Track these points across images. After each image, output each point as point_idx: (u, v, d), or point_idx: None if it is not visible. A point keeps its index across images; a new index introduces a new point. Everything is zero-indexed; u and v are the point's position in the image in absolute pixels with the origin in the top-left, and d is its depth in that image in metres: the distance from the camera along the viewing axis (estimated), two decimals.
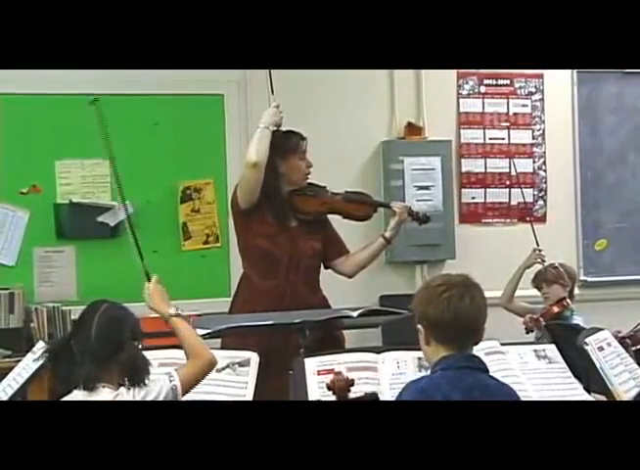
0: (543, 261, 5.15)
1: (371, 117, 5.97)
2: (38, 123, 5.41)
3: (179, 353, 3.11)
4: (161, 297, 3.15)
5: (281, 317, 3.89)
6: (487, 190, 6.20)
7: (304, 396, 3.15)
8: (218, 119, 5.69)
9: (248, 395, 3.33)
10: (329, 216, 4.49)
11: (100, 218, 5.43)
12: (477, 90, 6.20)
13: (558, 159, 6.30)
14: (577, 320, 4.79)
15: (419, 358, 3.28)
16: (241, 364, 3.40)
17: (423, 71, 6.02)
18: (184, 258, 5.62)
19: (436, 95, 6.08)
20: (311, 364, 3.24)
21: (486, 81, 6.21)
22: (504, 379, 3.00)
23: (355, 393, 2.75)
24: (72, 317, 5.11)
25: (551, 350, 3.56)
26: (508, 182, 6.20)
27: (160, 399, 2.86)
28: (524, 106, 6.28)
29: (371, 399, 2.72)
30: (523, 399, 2.93)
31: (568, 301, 4.93)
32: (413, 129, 6.01)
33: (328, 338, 4.10)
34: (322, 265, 4.44)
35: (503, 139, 6.23)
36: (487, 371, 2.77)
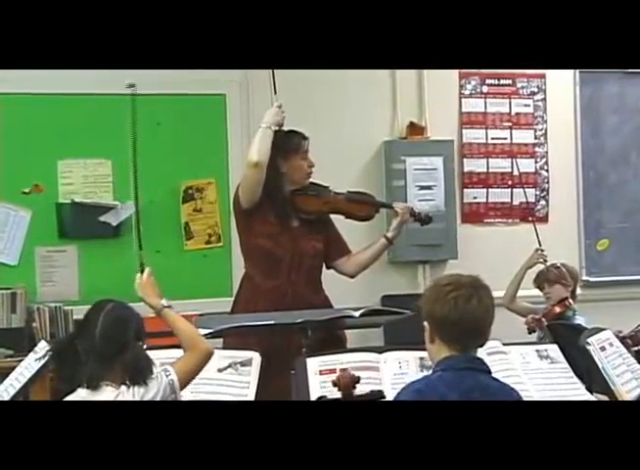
0: (545, 261, 5.14)
1: (373, 116, 5.97)
2: (40, 123, 5.41)
3: (181, 353, 3.11)
4: (153, 289, 3.15)
5: (283, 317, 3.89)
6: (489, 190, 6.20)
7: (306, 395, 3.15)
8: (220, 119, 5.68)
9: (249, 394, 3.33)
10: (331, 216, 4.49)
11: (102, 218, 5.42)
12: (479, 90, 6.20)
13: (560, 159, 6.30)
14: (579, 320, 4.79)
15: (421, 358, 3.28)
16: (243, 364, 3.41)
17: (425, 71, 6.01)
18: (186, 257, 5.62)
19: (439, 95, 6.07)
20: (313, 364, 3.25)
21: (488, 81, 6.21)
22: (506, 379, 3.00)
23: (360, 390, 2.75)
24: (74, 317, 5.11)
25: (553, 350, 3.56)
26: (510, 182, 6.19)
27: (159, 395, 2.88)
28: (526, 106, 6.28)
29: (376, 398, 2.72)
30: (525, 399, 2.93)
31: (570, 301, 4.93)
32: (415, 129, 6.00)
33: (330, 338, 4.10)
34: (324, 265, 4.45)
35: (505, 139, 6.23)
36: (489, 372, 2.77)
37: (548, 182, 6.29)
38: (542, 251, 5.20)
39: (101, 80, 5.18)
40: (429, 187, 5.96)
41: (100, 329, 2.89)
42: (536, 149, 6.28)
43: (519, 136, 6.24)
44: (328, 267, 4.47)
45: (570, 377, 3.47)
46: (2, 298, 5.19)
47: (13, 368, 3.53)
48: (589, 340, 3.44)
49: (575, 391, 3.41)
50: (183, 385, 2.97)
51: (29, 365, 3.46)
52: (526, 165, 6.17)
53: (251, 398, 3.32)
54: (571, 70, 6.28)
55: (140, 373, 2.88)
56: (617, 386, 3.36)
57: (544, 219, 6.21)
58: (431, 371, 3.03)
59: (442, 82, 6.04)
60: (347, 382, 2.72)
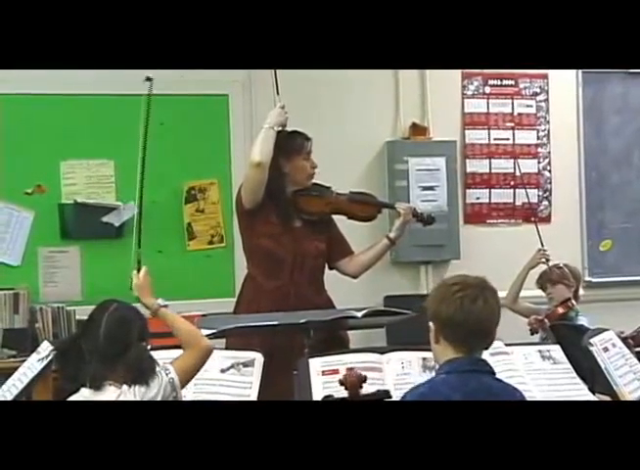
0: (548, 262, 5.14)
1: (375, 117, 5.97)
2: (43, 124, 5.42)
3: None
4: (149, 289, 3.15)
5: (285, 317, 3.89)
6: (492, 190, 6.20)
7: (309, 396, 3.15)
8: (223, 120, 5.69)
9: (252, 395, 3.33)
10: (334, 217, 4.49)
11: (104, 219, 5.43)
12: (481, 90, 6.20)
13: (562, 159, 6.30)
14: (582, 321, 4.79)
15: (423, 359, 3.28)
16: (245, 364, 3.41)
17: (427, 72, 6.02)
18: (189, 258, 5.63)
19: (441, 95, 6.07)
20: (316, 364, 3.24)
21: (491, 82, 6.21)
22: (509, 379, 2.99)
23: (366, 390, 2.74)
24: (77, 317, 5.12)
25: (556, 350, 3.55)
26: (513, 183, 6.19)
27: (160, 394, 2.89)
28: (528, 106, 6.28)
29: (383, 397, 2.72)
30: (527, 399, 2.92)
31: (572, 301, 4.92)
32: (418, 130, 6.01)
33: (332, 338, 4.10)
34: (326, 266, 4.45)
35: (508, 139, 6.23)
36: (494, 374, 2.76)
37: (551, 183, 6.29)
38: (545, 251, 5.20)
39: (102, 81, 5.19)
40: (431, 187, 5.97)
41: (104, 329, 2.90)
42: (539, 149, 6.28)
43: (521, 137, 6.24)
44: (330, 268, 4.47)
45: (572, 378, 3.46)
46: (5, 298, 5.20)
47: (16, 368, 3.54)
48: (592, 340, 3.44)
49: (578, 391, 3.41)
50: (184, 383, 2.98)
51: (32, 366, 3.47)
52: (529, 166, 6.18)
53: (254, 398, 3.32)
54: (574, 71, 6.28)
55: (142, 374, 2.89)
56: (619, 386, 3.36)
57: (547, 220, 6.21)
58: (433, 372, 3.04)
59: (445, 83, 6.05)
60: (354, 381, 2.71)
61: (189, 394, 3.26)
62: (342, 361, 3.25)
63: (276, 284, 4.26)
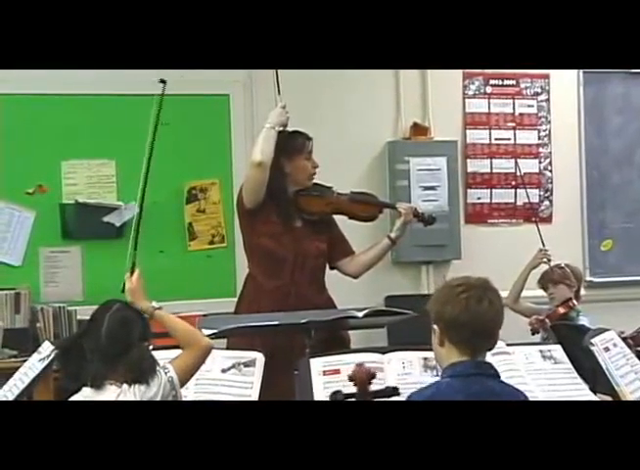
0: (549, 262, 5.14)
1: (376, 117, 5.97)
2: (44, 124, 5.42)
3: None
4: (143, 292, 3.15)
5: (286, 317, 3.89)
6: (493, 190, 6.20)
7: (310, 396, 3.15)
8: (224, 120, 5.69)
9: (253, 395, 3.33)
10: (335, 217, 4.49)
11: (105, 219, 5.43)
12: (482, 90, 6.20)
13: (564, 159, 6.30)
14: (583, 321, 4.79)
15: (425, 359, 3.28)
16: (246, 364, 3.41)
17: (429, 72, 6.02)
18: (190, 258, 5.63)
19: (442, 95, 6.07)
20: (317, 364, 3.24)
21: (492, 82, 6.21)
22: (510, 379, 2.99)
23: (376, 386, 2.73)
24: (78, 317, 5.13)
25: (557, 350, 3.55)
26: (514, 182, 6.19)
27: (160, 393, 2.90)
28: (529, 106, 6.28)
29: (391, 394, 2.71)
30: (529, 399, 2.92)
31: (574, 301, 4.92)
32: (419, 130, 6.01)
33: (333, 338, 4.10)
34: (327, 266, 4.45)
35: (509, 139, 6.23)
36: (498, 377, 2.74)
37: (552, 182, 6.29)
38: (546, 251, 5.20)
39: (102, 81, 5.19)
40: (432, 187, 5.97)
41: (105, 329, 2.91)
42: (540, 149, 6.28)
43: (522, 137, 6.24)
44: (331, 268, 4.47)
45: (573, 378, 3.46)
46: (6, 298, 5.20)
47: (17, 368, 3.53)
48: (593, 340, 3.44)
49: (579, 391, 3.40)
50: (183, 382, 2.99)
51: (33, 366, 3.47)
52: (530, 166, 6.18)
53: (255, 398, 3.32)
54: (575, 71, 6.28)
55: (143, 373, 2.89)
56: (620, 386, 3.35)
57: (548, 220, 6.21)
58: (435, 372, 3.03)
59: (446, 83, 6.05)
60: (363, 377, 2.70)
61: (190, 394, 3.26)
62: (344, 361, 3.25)
63: (277, 284, 4.26)
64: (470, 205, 6.16)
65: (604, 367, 3.38)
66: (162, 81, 3.47)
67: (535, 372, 3.45)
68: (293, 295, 4.25)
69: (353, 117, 5.90)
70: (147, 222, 5.26)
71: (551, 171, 6.29)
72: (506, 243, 6.05)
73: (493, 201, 6.20)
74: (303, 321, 3.72)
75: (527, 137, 6.26)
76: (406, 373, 3.27)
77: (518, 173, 5.94)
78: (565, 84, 6.31)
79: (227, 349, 3.70)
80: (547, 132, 6.29)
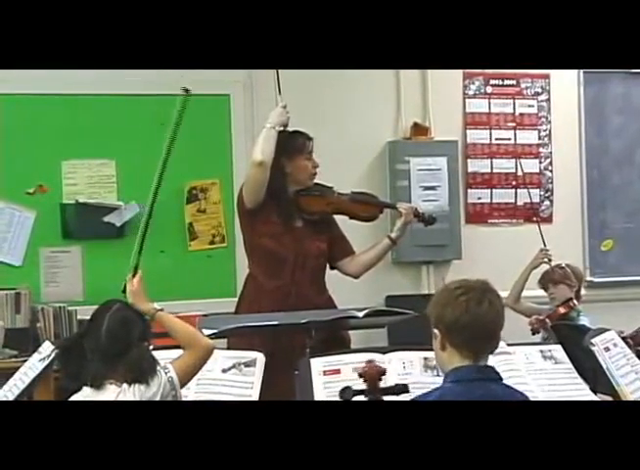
0: (550, 262, 5.14)
1: (377, 117, 5.97)
2: (44, 124, 5.42)
3: None
4: (144, 295, 3.15)
5: (287, 317, 3.89)
6: (494, 190, 6.20)
7: (310, 396, 3.15)
8: (224, 120, 5.69)
9: (253, 395, 3.33)
10: (335, 217, 4.49)
11: (106, 219, 5.43)
12: (483, 90, 6.20)
13: (564, 159, 6.30)
14: (584, 321, 4.79)
15: (425, 359, 3.28)
16: (247, 364, 3.41)
17: (429, 72, 6.02)
18: (190, 258, 5.63)
19: (443, 95, 6.07)
20: (317, 364, 3.24)
21: (493, 82, 6.21)
22: (510, 379, 2.99)
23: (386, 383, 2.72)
24: (79, 317, 5.13)
25: (557, 350, 3.55)
26: (514, 182, 6.20)
27: (159, 393, 2.90)
28: (530, 106, 6.28)
29: (401, 392, 2.70)
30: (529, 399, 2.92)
31: (574, 301, 4.92)
32: (419, 130, 6.01)
33: (334, 338, 4.10)
34: (328, 266, 4.44)
35: (509, 139, 6.23)
36: (501, 380, 2.73)
37: (552, 182, 6.29)
38: (547, 251, 5.20)
39: (102, 81, 5.19)
40: (433, 187, 5.96)
41: (106, 328, 2.92)
42: (540, 149, 6.28)
43: (523, 137, 6.24)
44: (332, 268, 4.47)
45: (574, 378, 3.46)
46: (6, 298, 5.20)
47: (17, 368, 3.54)
48: (593, 340, 3.43)
49: (580, 391, 3.40)
50: (183, 383, 2.99)
51: (33, 366, 3.47)
52: (531, 166, 6.18)
53: (255, 398, 3.32)
54: (576, 71, 6.28)
55: (143, 373, 2.90)
56: (621, 386, 3.35)
57: (548, 220, 6.21)
58: (435, 371, 3.03)
59: (446, 83, 6.05)
60: (374, 374, 2.68)
61: (191, 393, 3.27)
62: (344, 361, 3.25)
63: (277, 284, 4.26)
64: (470, 205, 6.16)
65: (604, 367, 3.38)
66: (186, 90, 3.48)
67: (536, 372, 3.45)
68: (293, 295, 4.25)
69: (354, 116, 5.90)
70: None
71: (551, 171, 6.29)
72: (506, 243, 6.05)
73: (494, 201, 6.20)
74: (304, 321, 3.72)
75: (528, 137, 6.26)
76: (407, 373, 3.27)
77: (519, 173, 5.94)
78: (565, 84, 6.31)
79: (228, 349, 3.70)
80: (547, 132, 6.29)
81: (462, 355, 2.68)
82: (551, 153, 6.29)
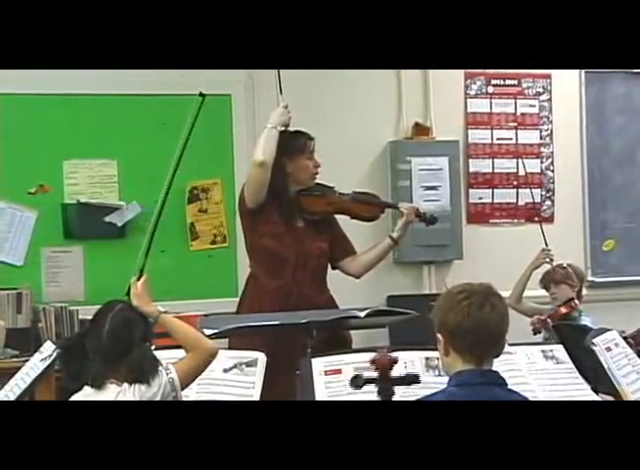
0: (551, 262, 5.14)
1: (378, 117, 5.97)
2: (45, 124, 5.42)
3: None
4: (148, 298, 3.15)
5: (288, 317, 3.89)
6: (495, 190, 6.20)
7: (311, 396, 3.16)
8: (226, 120, 5.69)
9: (255, 395, 3.33)
10: (336, 217, 4.49)
11: (107, 218, 5.43)
12: (484, 90, 6.20)
13: (565, 159, 6.29)
14: (585, 321, 4.79)
15: (426, 359, 3.28)
16: (248, 364, 3.41)
17: (430, 72, 6.01)
18: (191, 258, 5.63)
19: (444, 95, 6.07)
20: (318, 364, 3.24)
21: (494, 82, 6.20)
22: (511, 379, 2.98)
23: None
24: (80, 317, 5.13)
25: (559, 350, 3.55)
26: (516, 182, 6.19)
27: (160, 393, 2.91)
28: (531, 106, 6.28)
29: (412, 382, 2.69)
30: (530, 399, 2.91)
31: (576, 301, 4.92)
32: (420, 129, 6.00)
33: (335, 338, 4.10)
34: (329, 266, 4.45)
35: (511, 139, 6.22)
36: (505, 384, 2.72)
37: (553, 182, 6.29)
38: (549, 251, 5.20)
39: (102, 81, 5.19)
40: (434, 187, 5.96)
41: (107, 329, 2.93)
42: (542, 149, 6.28)
43: (524, 136, 6.24)
44: (333, 268, 4.47)
45: (575, 377, 3.46)
46: (8, 298, 5.20)
47: (18, 368, 3.54)
48: (595, 340, 3.44)
49: (581, 391, 3.40)
50: (184, 384, 2.98)
51: (35, 365, 3.47)
52: (532, 166, 6.17)
53: (257, 398, 3.32)
54: (577, 71, 6.27)
55: (144, 374, 2.90)
56: (622, 386, 3.35)
57: (550, 220, 6.20)
58: (436, 371, 3.03)
59: (448, 83, 6.05)
60: (385, 362, 2.67)
61: (192, 393, 3.27)
62: (345, 361, 3.25)
63: (278, 284, 4.27)
64: (471, 205, 6.16)
65: (606, 367, 3.38)
66: (202, 95, 3.50)
67: (537, 372, 3.45)
68: (294, 295, 4.25)
69: (355, 116, 5.90)
70: (148, 222, 5.29)
71: (553, 171, 6.29)
72: (508, 243, 6.04)
73: (495, 201, 6.19)
74: (305, 321, 3.72)
75: (529, 137, 6.26)
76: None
77: (521, 173, 5.94)
78: (566, 84, 6.30)
79: (229, 348, 3.70)
80: (549, 132, 6.29)
81: (465, 360, 2.67)
82: (552, 153, 6.29)
